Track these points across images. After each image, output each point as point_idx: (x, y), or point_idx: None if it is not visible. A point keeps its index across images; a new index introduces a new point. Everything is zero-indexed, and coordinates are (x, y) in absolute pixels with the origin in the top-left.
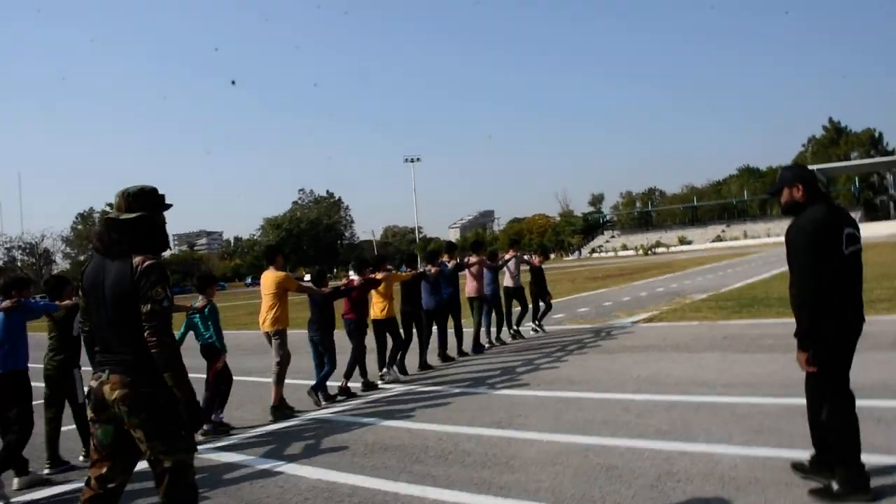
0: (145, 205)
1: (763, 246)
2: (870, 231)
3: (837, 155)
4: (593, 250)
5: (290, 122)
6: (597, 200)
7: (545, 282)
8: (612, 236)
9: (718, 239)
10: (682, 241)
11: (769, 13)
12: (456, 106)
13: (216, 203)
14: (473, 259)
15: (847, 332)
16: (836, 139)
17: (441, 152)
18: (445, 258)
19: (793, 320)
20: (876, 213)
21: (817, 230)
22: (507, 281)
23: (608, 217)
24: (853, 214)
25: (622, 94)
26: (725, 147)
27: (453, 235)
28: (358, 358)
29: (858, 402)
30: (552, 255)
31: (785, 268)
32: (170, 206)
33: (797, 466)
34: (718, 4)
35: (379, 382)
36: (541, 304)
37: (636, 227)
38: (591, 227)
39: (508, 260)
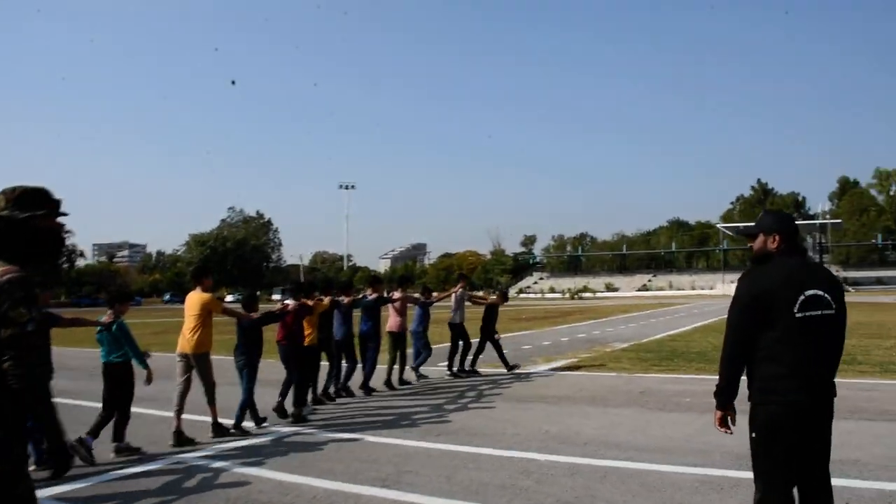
0: (25, 206)
1: (687, 297)
2: None
3: None
4: (521, 290)
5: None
6: (529, 241)
7: (494, 322)
8: (541, 278)
9: (644, 288)
10: (609, 288)
11: (709, 71)
12: (396, 137)
13: (144, 215)
14: (397, 294)
15: (794, 411)
16: (762, 199)
17: (377, 181)
18: (369, 291)
19: (712, 377)
20: None
21: (764, 286)
22: (453, 318)
23: (538, 259)
24: None
25: (560, 139)
26: (657, 198)
27: (384, 266)
28: (295, 382)
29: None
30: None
31: (706, 321)
32: (61, 213)
33: None
34: (662, 54)
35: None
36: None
37: (565, 271)
38: (520, 267)
39: (446, 295)
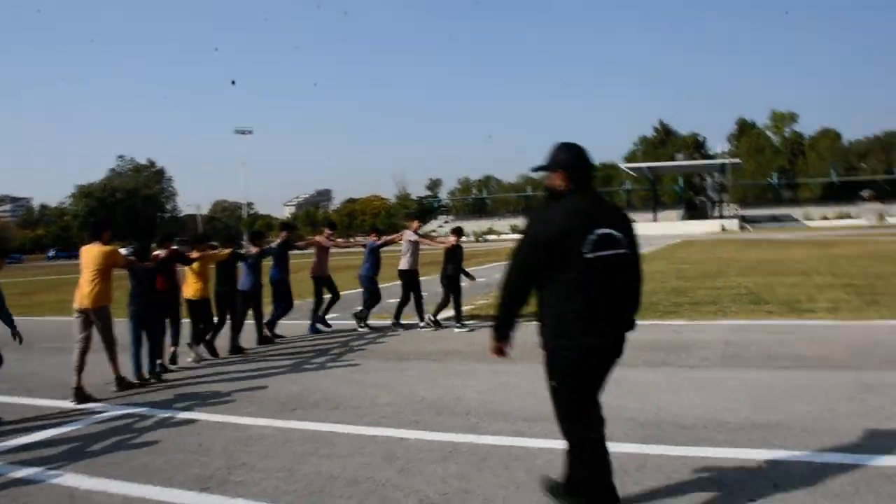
0: None
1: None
2: (689, 229)
3: (665, 155)
4: (426, 235)
5: (112, 87)
6: (434, 185)
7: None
8: (446, 221)
9: None
10: (515, 230)
11: (611, 12)
12: (299, 75)
13: (27, 166)
14: (321, 238)
15: (588, 352)
16: (664, 140)
17: (278, 126)
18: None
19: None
20: (696, 213)
21: (541, 231)
22: (402, 263)
23: (444, 202)
24: (675, 212)
25: (465, 83)
26: (563, 139)
27: (288, 213)
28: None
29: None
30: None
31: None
32: None
33: (551, 489)
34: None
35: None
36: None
37: (470, 214)
38: (425, 210)
39: (391, 240)
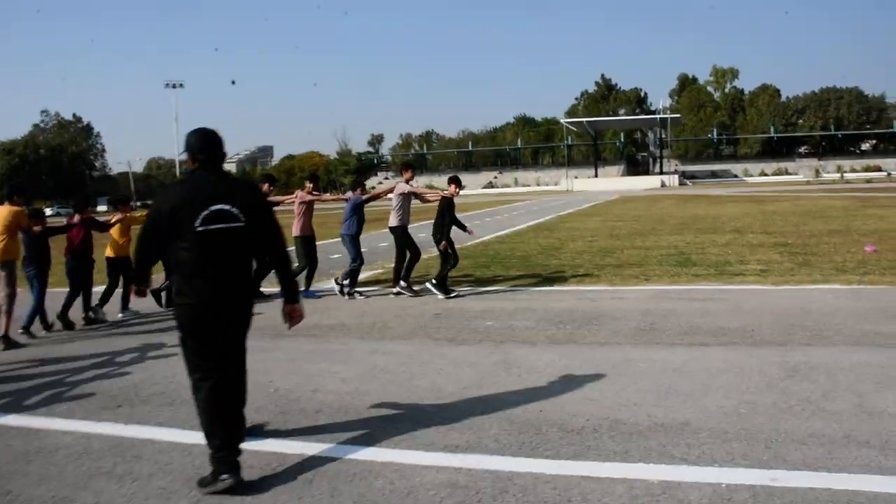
0: None
1: (531, 194)
2: (630, 184)
3: (607, 110)
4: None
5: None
6: (376, 141)
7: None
8: (386, 177)
9: (490, 185)
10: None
11: None
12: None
13: None
14: (302, 193)
15: (199, 312)
16: (606, 95)
17: (214, 80)
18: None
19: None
20: (637, 168)
21: (163, 205)
22: (392, 219)
23: (384, 157)
24: (616, 168)
25: (408, 32)
26: (504, 96)
27: (227, 169)
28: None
29: None
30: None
31: (542, 219)
32: None
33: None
34: None
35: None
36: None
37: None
38: (364, 167)
39: (378, 195)
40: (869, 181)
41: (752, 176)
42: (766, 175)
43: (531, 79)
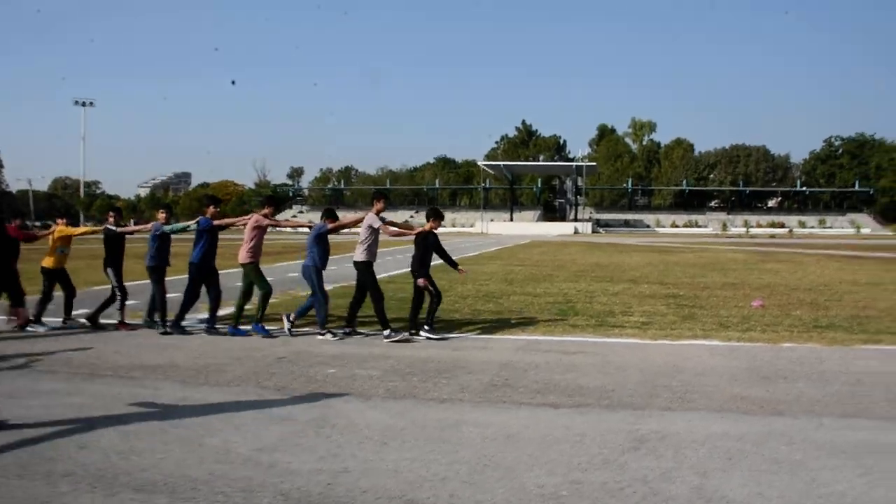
0: None
1: (445, 235)
2: (544, 230)
3: (526, 156)
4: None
5: None
6: (296, 174)
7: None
8: (301, 211)
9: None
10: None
11: (465, 14)
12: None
13: None
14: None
15: None
16: (526, 141)
17: (133, 105)
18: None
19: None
20: (554, 214)
21: None
22: (358, 252)
23: (302, 190)
24: (533, 213)
25: (333, 81)
26: (425, 137)
27: (143, 194)
28: None
29: None
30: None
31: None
32: None
33: None
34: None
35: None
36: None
37: (328, 205)
38: (279, 199)
39: (351, 223)
40: (772, 236)
41: (663, 227)
42: (677, 226)
43: (453, 121)
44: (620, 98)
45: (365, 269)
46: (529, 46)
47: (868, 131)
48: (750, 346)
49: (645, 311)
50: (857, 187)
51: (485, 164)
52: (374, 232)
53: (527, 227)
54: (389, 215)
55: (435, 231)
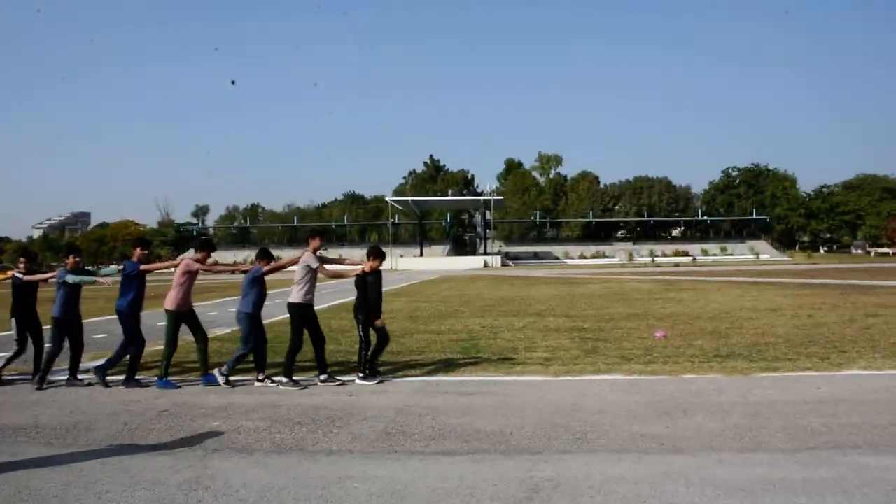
0: None
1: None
2: (454, 265)
3: (434, 190)
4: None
5: None
6: (202, 211)
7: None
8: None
9: None
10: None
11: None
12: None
13: None
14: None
15: None
16: (434, 176)
17: (25, 137)
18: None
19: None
20: (464, 249)
21: None
22: (294, 294)
23: (208, 229)
24: (442, 248)
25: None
26: (332, 173)
27: (37, 235)
28: None
29: None
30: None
31: (347, 299)
32: None
33: None
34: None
35: None
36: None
37: (234, 243)
38: (184, 238)
39: (282, 266)
40: (677, 265)
41: (572, 258)
42: (585, 258)
43: (360, 157)
44: (527, 132)
45: (298, 313)
46: (436, 79)
47: (762, 162)
48: (651, 379)
49: (549, 346)
50: (754, 215)
51: (393, 200)
52: (311, 272)
53: (437, 261)
54: (296, 252)
55: (377, 270)
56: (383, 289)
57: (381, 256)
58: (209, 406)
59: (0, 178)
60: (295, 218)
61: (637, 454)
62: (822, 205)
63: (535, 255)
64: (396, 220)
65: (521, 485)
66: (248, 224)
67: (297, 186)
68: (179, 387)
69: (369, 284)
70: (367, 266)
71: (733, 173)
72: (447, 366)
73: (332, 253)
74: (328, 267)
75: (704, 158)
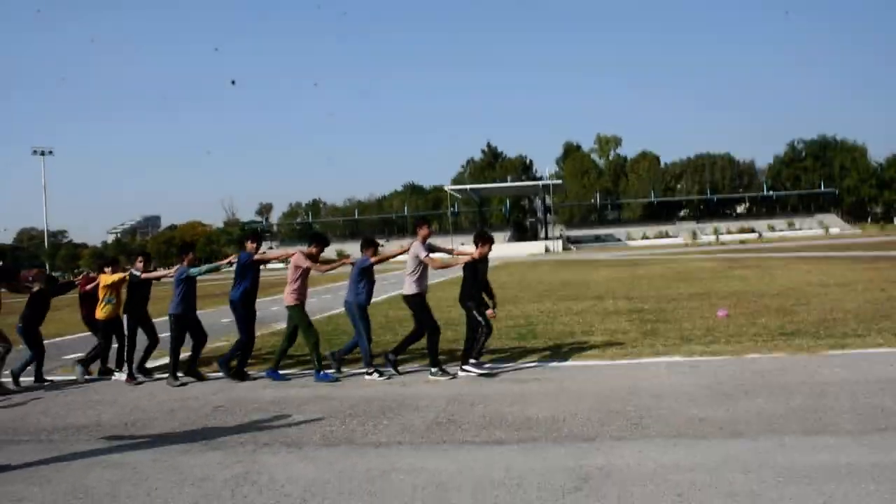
0: None
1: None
2: (515, 251)
3: (493, 177)
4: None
5: None
6: (266, 210)
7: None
8: (271, 247)
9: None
10: (341, 255)
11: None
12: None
13: None
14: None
15: None
16: (492, 163)
17: (93, 148)
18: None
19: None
20: (524, 234)
21: None
22: (407, 286)
23: (273, 226)
24: (502, 234)
25: (296, 104)
26: (391, 164)
27: (111, 240)
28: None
29: None
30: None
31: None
32: None
33: None
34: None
35: None
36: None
37: (298, 239)
38: (246, 236)
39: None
40: (743, 242)
41: (634, 239)
42: (647, 238)
43: (419, 147)
44: (585, 114)
45: (418, 302)
46: (492, 67)
47: (829, 132)
48: (711, 359)
49: (607, 329)
50: (822, 188)
51: (452, 189)
52: (421, 262)
53: (498, 248)
54: (358, 245)
55: (486, 256)
56: (436, 280)
57: (490, 241)
58: (263, 401)
59: (72, 185)
60: (356, 211)
61: (694, 439)
62: (895, 174)
63: (597, 238)
64: (456, 209)
65: (571, 474)
66: (311, 219)
67: (357, 180)
68: (338, 379)
69: (479, 272)
70: (476, 253)
71: (799, 146)
72: (502, 352)
73: (393, 243)
74: (434, 256)
75: (768, 132)
